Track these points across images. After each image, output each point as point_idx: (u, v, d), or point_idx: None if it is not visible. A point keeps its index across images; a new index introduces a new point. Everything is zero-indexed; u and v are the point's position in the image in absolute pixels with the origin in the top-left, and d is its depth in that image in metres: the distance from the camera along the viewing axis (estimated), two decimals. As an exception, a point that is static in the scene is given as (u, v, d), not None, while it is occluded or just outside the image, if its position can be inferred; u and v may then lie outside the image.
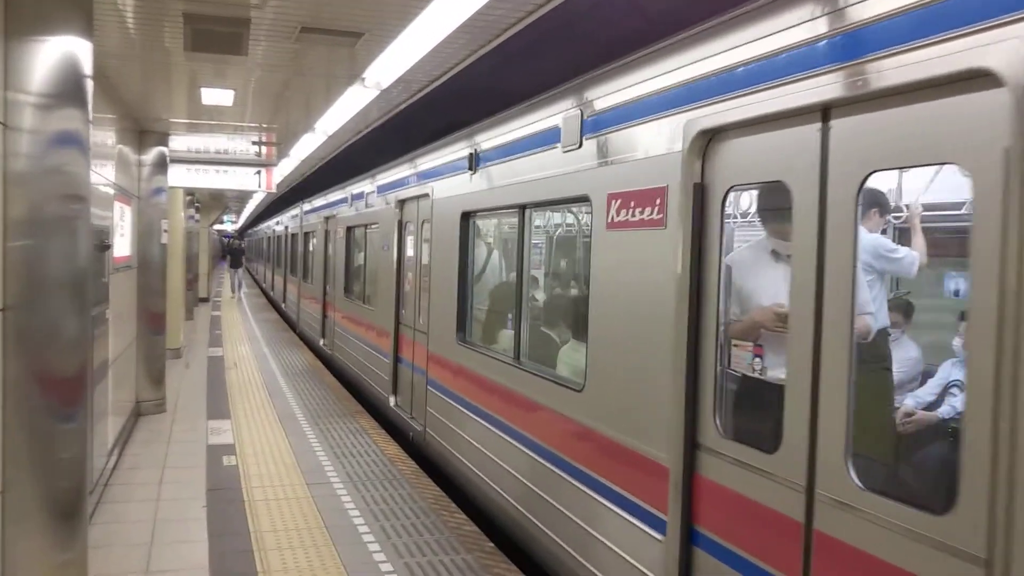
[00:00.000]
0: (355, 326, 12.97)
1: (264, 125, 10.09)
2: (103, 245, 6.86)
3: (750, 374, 3.87)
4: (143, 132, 10.37)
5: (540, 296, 7.48)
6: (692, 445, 3.96)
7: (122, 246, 8.54)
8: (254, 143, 11.43)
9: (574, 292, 7.14)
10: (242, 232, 57.40)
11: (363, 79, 6.91)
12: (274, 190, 14.13)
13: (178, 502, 7.02)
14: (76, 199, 4.09)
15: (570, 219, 7.58)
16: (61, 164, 4.03)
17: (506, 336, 7.30)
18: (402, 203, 10.07)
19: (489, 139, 7.02)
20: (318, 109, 8.68)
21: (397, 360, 10.14)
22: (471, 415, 7.22)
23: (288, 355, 16.13)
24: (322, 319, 16.58)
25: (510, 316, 7.16)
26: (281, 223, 28.10)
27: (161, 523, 6.51)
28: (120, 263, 8.39)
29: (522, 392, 6.17)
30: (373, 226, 12.07)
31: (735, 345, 3.94)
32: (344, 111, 8.47)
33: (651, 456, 4.31)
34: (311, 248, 19.40)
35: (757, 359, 3.83)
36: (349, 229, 14.11)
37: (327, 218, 16.39)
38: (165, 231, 10.58)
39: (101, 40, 5.87)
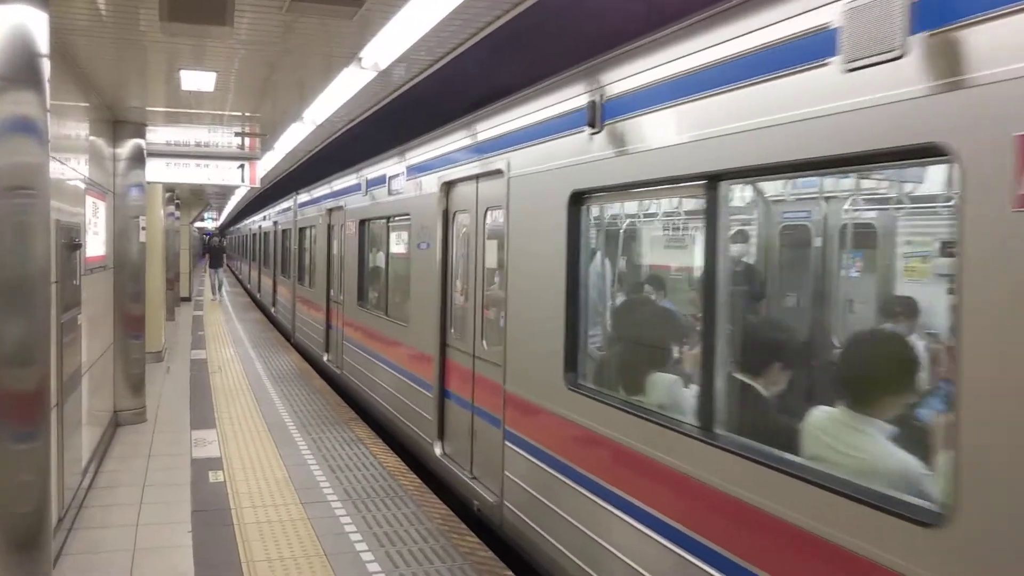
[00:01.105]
0: (376, 343, 10.39)
1: (248, 114, 9.42)
2: (72, 244, 6.20)
3: None
4: (118, 122, 9.68)
5: (742, 324, 4.34)
6: None
7: (96, 245, 7.88)
8: (237, 134, 10.76)
9: (851, 322, 5.42)
10: (223, 229, 56.25)
11: (360, 59, 6.27)
12: (258, 185, 13.43)
13: (161, 527, 6.37)
14: (29, 194, 3.46)
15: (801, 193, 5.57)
16: (11, 154, 3.41)
17: (663, 385, 4.81)
18: (449, 186, 7.61)
19: (634, 74, 4.50)
20: (308, 95, 8.01)
21: (444, 394, 7.77)
22: (614, 511, 4.60)
23: (274, 357, 15.45)
24: (326, 331, 14.05)
25: (678, 354, 4.89)
26: (269, 218, 25.12)
27: (142, 553, 5.86)
28: (94, 263, 7.73)
29: (733, 493, 3.63)
30: (401, 218, 9.46)
31: None
32: (337, 96, 7.81)
33: None
34: (308, 246, 16.74)
35: None
36: (363, 223, 11.46)
37: (330, 210, 13.77)
38: (143, 229, 9.91)
39: (65, 13, 5.21)
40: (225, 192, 24.29)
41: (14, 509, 3.69)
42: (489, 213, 6.75)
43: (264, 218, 27.22)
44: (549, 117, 5.52)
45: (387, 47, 5.95)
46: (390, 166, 9.84)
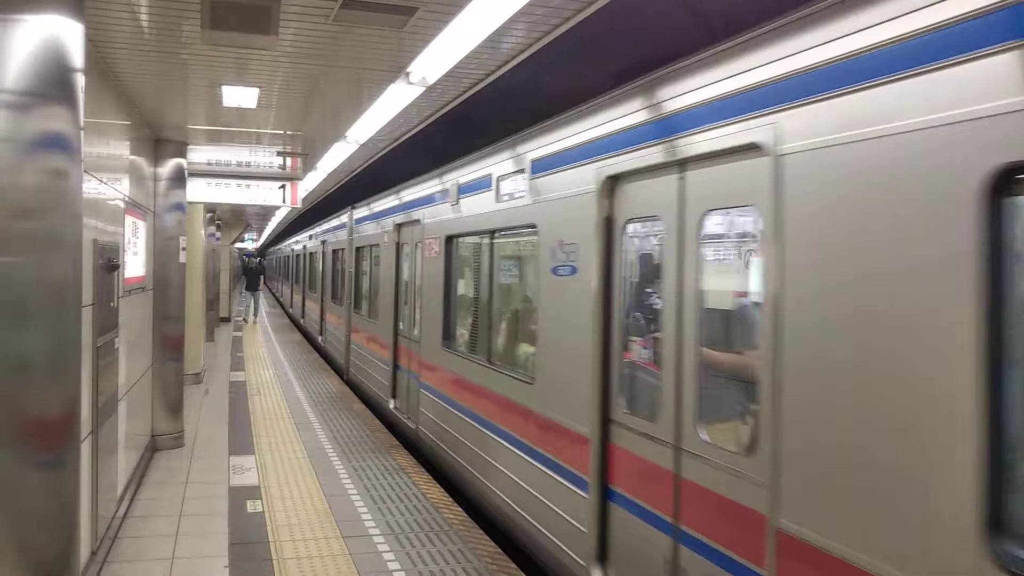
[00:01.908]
0: (476, 401, 7.69)
1: (290, 132, 9.23)
2: (111, 265, 5.99)
3: None
4: (159, 141, 9.54)
5: None
6: None
7: (135, 266, 7.70)
8: (279, 153, 10.59)
9: None
10: (263, 250, 56.44)
11: (408, 73, 6.02)
12: (299, 205, 13.24)
13: (197, 561, 6.10)
14: (63, 213, 3.23)
15: None
16: (42, 173, 3.19)
17: None
18: (617, 181, 5.10)
19: None
20: (352, 112, 7.78)
21: (606, 495, 5.18)
22: None
23: (314, 380, 15.23)
24: (392, 373, 11.38)
25: None
26: (316, 236, 22.53)
27: (176, 589, 5.59)
28: (133, 284, 7.53)
29: None
30: (518, 232, 7.18)
31: None
32: (382, 114, 7.56)
33: None
34: (368, 268, 14.26)
35: None
36: (451, 240, 8.88)
37: (400, 225, 11.23)
38: (183, 249, 9.74)
39: (104, 25, 5.02)
40: (266, 213, 24.28)
41: (37, 542, 3.44)
42: (710, 219, 4.34)
43: (310, 237, 24.57)
44: (906, 34, 3.03)
45: (437, 60, 5.69)
46: (498, 163, 7.25)
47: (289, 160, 10.95)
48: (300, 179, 12.55)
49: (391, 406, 11.30)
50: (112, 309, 6.25)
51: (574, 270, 5.53)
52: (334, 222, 18.64)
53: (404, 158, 11.27)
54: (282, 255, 40.89)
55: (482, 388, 7.54)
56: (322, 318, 20.19)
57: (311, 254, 23.80)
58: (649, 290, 4.97)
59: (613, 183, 5.15)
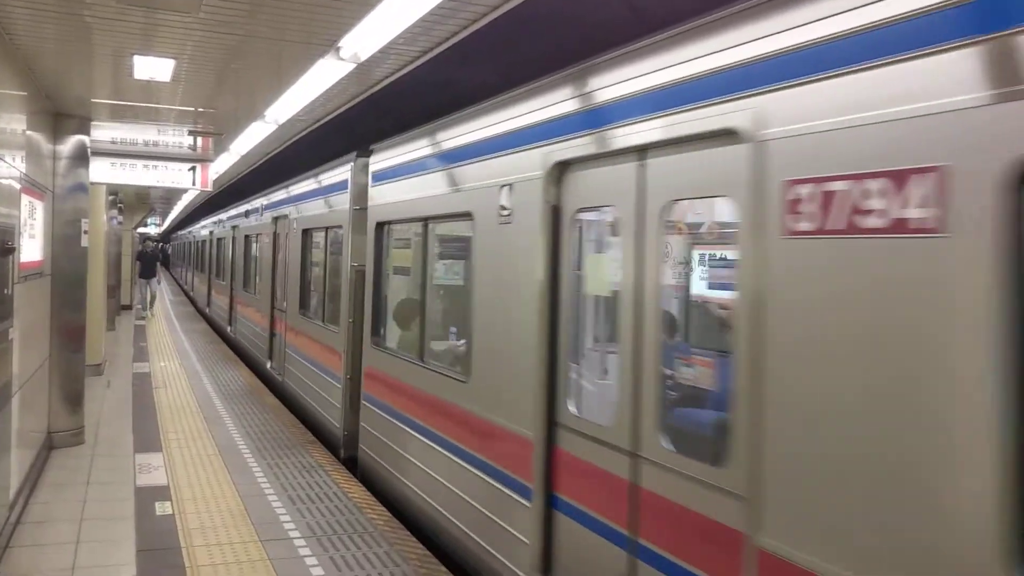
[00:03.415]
0: None
1: (201, 110, 8.66)
2: (5, 248, 5.45)
3: None
4: (59, 116, 8.86)
5: None
6: None
7: (32, 250, 7.09)
8: (190, 133, 10.00)
9: None
10: (168, 234, 54.21)
11: (339, 47, 5.63)
12: (210, 188, 12.58)
13: (102, 570, 5.61)
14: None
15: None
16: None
17: None
18: None
19: None
20: (273, 89, 7.32)
21: None
22: None
23: (223, 372, 14.58)
24: (547, 515, 4.75)
25: None
26: (260, 211, 15.63)
27: (78, 603, 5.12)
28: (29, 270, 6.94)
29: None
30: None
31: None
32: (307, 91, 7.12)
33: None
34: (420, 268, 7.35)
35: None
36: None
37: (563, 164, 4.64)
38: (85, 232, 9.09)
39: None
40: (171, 196, 23.27)
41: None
42: None
43: (246, 214, 17.54)
44: None
45: (372, 34, 5.32)
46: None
47: (200, 140, 10.38)
48: (211, 161, 11.96)
49: None
50: (7, 297, 5.70)
51: None
52: (306, 186, 11.60)
53: (320, 143, 10.80)
54: (195, 240, 32.67)
55: None
56: (273, 334, 13.66)
57: (248, 238, 17.17)
58: None
59: None
